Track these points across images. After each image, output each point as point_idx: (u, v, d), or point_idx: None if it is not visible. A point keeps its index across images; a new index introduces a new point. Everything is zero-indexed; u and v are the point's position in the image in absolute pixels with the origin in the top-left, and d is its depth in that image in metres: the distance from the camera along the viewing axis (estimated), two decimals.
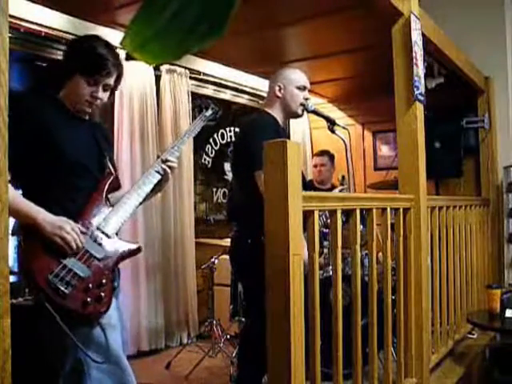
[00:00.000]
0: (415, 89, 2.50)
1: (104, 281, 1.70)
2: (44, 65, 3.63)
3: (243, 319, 3.46)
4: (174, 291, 4.15)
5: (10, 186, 1.60)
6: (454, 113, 4.30)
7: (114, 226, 1.79)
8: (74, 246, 1.66)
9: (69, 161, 1.76)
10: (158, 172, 1.93)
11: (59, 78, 1.85)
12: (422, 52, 2.63)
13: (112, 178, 1.90)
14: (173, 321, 4.14)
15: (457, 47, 3.49)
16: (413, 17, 2.51)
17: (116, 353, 1.72)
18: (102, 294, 1.68)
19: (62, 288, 1.59)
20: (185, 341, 4.13)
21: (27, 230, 1.65)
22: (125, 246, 1.83)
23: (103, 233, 1.76)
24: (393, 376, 2.32)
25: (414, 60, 2.49)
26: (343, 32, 3.70)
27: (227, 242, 3.88)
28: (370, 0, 2.54)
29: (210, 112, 2.24)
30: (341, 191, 3.03)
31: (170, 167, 1.96)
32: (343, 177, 3.25)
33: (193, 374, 3.42)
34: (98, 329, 1.68)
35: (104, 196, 1.84)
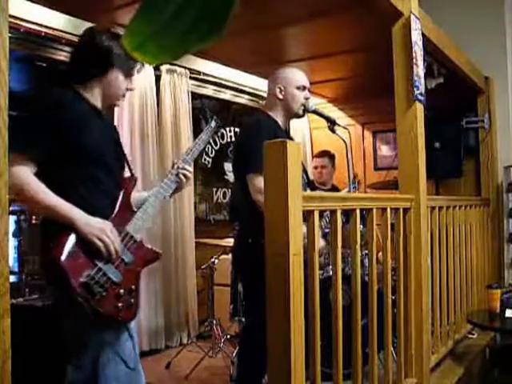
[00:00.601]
0: (415, 89, 2.50)
1: (133, 287, 1.69)
2: (44, 65, 3.63)
3: (243, 319, 3.46)
4: (174, 291, 4.15)
5: (41, 184, 1.60)
6: (454, 113, 4.30)
7: (139, 231, 1.77)
8: (113, 250, 1.63)
9: (93, 156, 1.73)
10: (176, 180, 1.92)
11: (83, 75, 1.82)
12: (422, 52, 2.63)
13: (135, 181, 1.89)
14: (173, 321, 4.14)
15: (457, 47, 3.49)
16: (413, 17, 2.51)
17: (136, 357, 1.74)
18: (132, 301, 1.67)
19: (98, 291, 1.57)
20: (185, 341, 4.12)
21: (59, 229, 1.60)
22: (149, 252, 1.82)
23: (131, 238, 1.74)
24: (393, 376, 2.32)
25: (414, 60, 2.49)
26: (343, 32, 3.70)
27: (227, 242, 3.89)
28: (370, 0, 2.54)
29: (214, 123, 2.23)
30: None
31: (185, 176, 1.95)
32: (354, 176, 3.21)
33: (193, 374, 3.42)
34: (126, 334, 1.70)
35: (129, 199, 1.83)
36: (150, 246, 1.83)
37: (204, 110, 2.24)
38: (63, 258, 1.55)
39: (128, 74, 1.84)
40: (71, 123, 1.69)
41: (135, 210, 1.80)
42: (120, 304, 1.62)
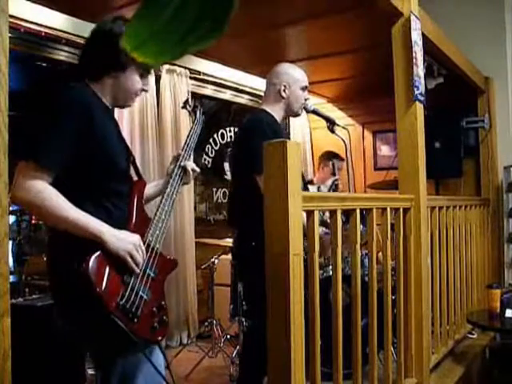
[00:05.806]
0: (415, 89, 2.50)
1: (163, 302, 1.60)
2: (44, 65, 3.63)
3: (243, 319, 3.46)
4: (174, 291, 4.14)
5: (62, 197, 1.42)
6: (454, 113, 4.30)
7: (159, 240, 1.64)
8: (140, 265, 1.51)
9: (116, 168, 1.59)
10: (181, 178, 1.84)
11: (97, 71, 1.64)
12: (422, 52, 2.63)
13: (145, 185, 1.76)
14: (173, 321, 4.13)
15: (457, 47, 3.49)
16: (413, 17, 2.51)
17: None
18: (165, 318, 1.57)
19: (134, 313, 1.44)
20: (185, 341, 4.12)
21: (82, 246, 1.42)
22: (168, 261, 1.72)
23: (153, 249, 1.60)
24: (393, 376, 2.32)
25: (414, 60, 2.49)
26: (343, 32, 3.70)
27: (227, 242, 3.88)
28: (370, 0, 2.54)
29: (199, 114, 2.08)
30: (333, 184, 3.01)
31: (193, 170, 1.90)
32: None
33: (193, 373, 3.42)
34: (158, 351, 1.64)
35: (143, 206, 1.70)
36: (165, 254, 1.71)
37: (188, 103, 2.15)
38: (95, 281, 1.38)
39: (144, 74, 1.69)
40: (96, 130, 1.51)
41: (149, 217, 1.67)
42: (155, 324, 1.52)
